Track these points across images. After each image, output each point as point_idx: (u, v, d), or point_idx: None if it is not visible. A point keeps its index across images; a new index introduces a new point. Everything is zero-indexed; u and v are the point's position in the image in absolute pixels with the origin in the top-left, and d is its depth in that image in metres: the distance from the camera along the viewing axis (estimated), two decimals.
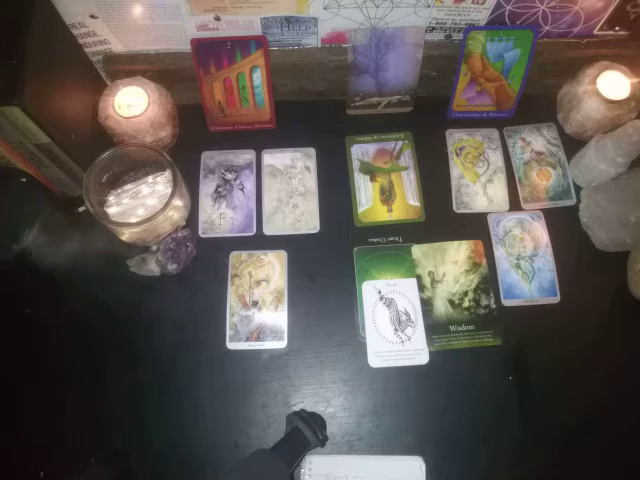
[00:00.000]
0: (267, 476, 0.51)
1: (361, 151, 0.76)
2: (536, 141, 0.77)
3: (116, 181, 0.68)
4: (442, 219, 0.73)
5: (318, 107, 0.78)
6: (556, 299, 0.68)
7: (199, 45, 0.69)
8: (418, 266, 0.69)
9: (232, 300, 0.67)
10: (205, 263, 0.69)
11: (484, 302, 0.67)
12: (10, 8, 0.58)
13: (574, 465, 0.60)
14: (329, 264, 0.69)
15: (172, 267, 0.66)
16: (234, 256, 0.70)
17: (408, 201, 0.74)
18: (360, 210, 0.73)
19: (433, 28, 0.71)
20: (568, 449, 0.61)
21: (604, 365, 0.64)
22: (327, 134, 0.77)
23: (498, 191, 0.74)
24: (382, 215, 0.73)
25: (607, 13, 0.69)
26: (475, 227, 0.72)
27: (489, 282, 0.68)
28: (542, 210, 0.72)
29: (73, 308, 0.67)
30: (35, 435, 0.62)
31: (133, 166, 0.69)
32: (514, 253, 0.70)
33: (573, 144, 0.76)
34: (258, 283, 0.68)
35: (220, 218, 0.72)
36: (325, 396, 0.64)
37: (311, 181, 0.74)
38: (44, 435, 0.62)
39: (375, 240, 0.71)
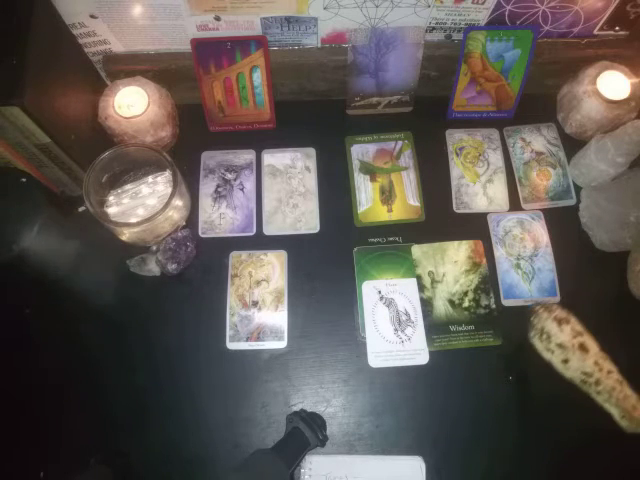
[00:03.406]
0: (267, 476, 0.52)
1: (361, 151, 0.76)
2: (536, 141, 0.77)
3: (116, 181, 0.68)
4: (442, 219, 0.73)
5: (318, 107, 0.78)
6: (556, 299, 0.68)
7: (199, 45, 0.69)
8: (418, 266, 0.69)
9: (232, 300, 0.67)
10: (205, 263, 0.70)
11: (484, 302, 0.67)
12: (10, 8, 0.58)
13: (574, 465, 0.60)
14: (329, 264, 0.69)
15: (172, 267, 0.66)
16: (234, 256, 0.70)
17: (408, 201, 0.74)
18: (360, 210, 0.73)
19: (433, 28, 0.71)
20: (568, 449, 0.61)
21: None
22: (327, 134, 0.77)
23: (498, 191, 0.74)
24: (382, 215, 0.73)
25: (607, 13, 0.69)
26: (475, 227, 0.72)
27: (489, 282, 0.68)
28: (542, 210, 0.72)
29: (73, 308, 0.67)
30: (35, 435, 0.62)
31: (133, 166, 0.69)
32: (514, 253, 0.70)
33: (573, 144, 0.75)
34: (258, 283, 0.68)
35: (220, 218, 0.72)
36: (325, 396, 0.64)
37: (311, 181, 0.74)
38: (44, 435, 0.62)
39: (375, 240, 0.71)
